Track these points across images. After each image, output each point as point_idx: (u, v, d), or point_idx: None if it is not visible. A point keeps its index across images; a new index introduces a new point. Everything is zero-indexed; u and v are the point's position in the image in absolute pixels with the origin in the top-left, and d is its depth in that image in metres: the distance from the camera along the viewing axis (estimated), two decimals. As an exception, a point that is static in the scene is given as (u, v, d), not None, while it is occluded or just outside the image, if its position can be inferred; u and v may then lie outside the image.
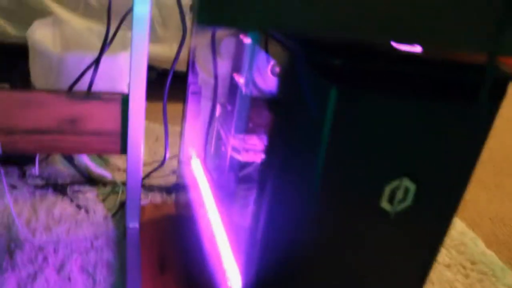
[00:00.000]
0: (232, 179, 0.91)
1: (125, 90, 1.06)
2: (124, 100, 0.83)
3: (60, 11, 1.38)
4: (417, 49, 0.46)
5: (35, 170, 1.00)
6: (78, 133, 0.85)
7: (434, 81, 0.41)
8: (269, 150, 0.45)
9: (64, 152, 0.91)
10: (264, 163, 0.46)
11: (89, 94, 0.83)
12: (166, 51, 1.59)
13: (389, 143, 0.43)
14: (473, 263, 1.02)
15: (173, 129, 1.47)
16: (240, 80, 0.77)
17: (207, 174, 0.94)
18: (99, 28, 1.19)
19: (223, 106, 0.91)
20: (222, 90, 0.93)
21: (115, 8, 1.47)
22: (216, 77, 0.89)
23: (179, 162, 0.99)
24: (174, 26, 1.57)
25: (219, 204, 0.85)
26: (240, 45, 0.88)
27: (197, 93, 0.92)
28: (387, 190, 0.46)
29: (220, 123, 0.92)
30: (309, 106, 0.40)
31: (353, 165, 0.43)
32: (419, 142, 0.43)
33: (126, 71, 1.04)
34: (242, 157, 0.81)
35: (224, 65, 0.90)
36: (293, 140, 0.42)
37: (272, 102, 0.44)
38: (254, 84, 0.75)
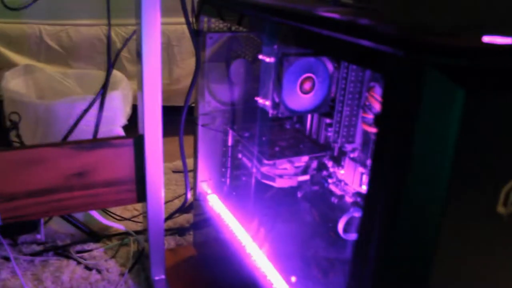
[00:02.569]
0: (260, 207, 0.85)
1: (121, 132, 0.98)
2: (137, 143, 0.75)
3: (23, 61, 1.27)
4: (508, 40, 0.44)
5: (41, 236, 0.88)
6: (89, 187, 0.76)
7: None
8: (379, 167, 0.41)
9: (75, 211, 0.82)
10: (373, 181, 0.42)
11: (97, 142, 0.74)
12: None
13: (506, 142, 0.40)
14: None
15: (174, 164, 1.38)
16: (266, 102, 0.73)
17: (230, 207, 0.87)
18: (74, 72, 1.10)
19: (239, 133, 0.85)
20: (234, 117, 0.88)
21: (90, 46, 1.38)
22: (233, 104, 0.84)
23: (195, 200, 0.91)
24: (143, 59, 1.49)
25: (253, 236, 0.79)
26: (251, 67, 0.84)
27: (208, 125, 0.86)
28: (503, 193, 0.43)
29: (239, 152, 0.86)
30: (426, 112, 0.37)
31: (476, 171, 0.40)
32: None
33: (119, 112, 0.96)
34: (277, 184, 0.76)
35: (234, 91, 0.85)
36: (410, 154, 0.38)
37: (378, 117, 0.40)
38: (284, 105, 0.71)
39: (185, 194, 0.81)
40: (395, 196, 0.40)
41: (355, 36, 0.40)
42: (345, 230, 0.74)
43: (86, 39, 1.36)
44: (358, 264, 0.45)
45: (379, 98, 0.65)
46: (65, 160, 0.73)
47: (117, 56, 0.83)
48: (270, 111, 0.75)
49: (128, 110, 0.99)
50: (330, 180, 0.81)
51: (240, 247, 0.78)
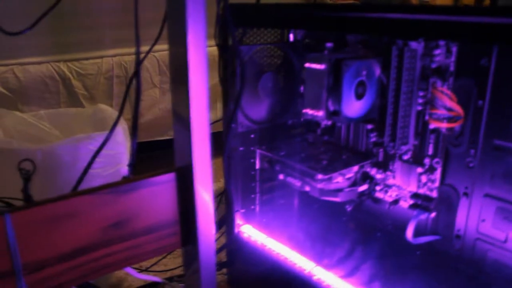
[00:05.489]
0: (312, 228, 0.79)
1: (127, 171, 0.86)
2: (180, 177, 0.65)
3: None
4: None
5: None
6: (128, 238, 0.64)
7: None
8: None
9: (114, 269, 0.67)
10: None
11: (135, 182, 0.63)
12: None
13: None
14: None
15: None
16: (319, 113, 0.67)
17: (272, 234, 0.80)
18: (47, 112, 0.96)
19: (274, 153, 0.79)
20: (264, 136, 0.81)
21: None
22: (264, 122, 0.77)
23: (228, 233, 0.82)
24: (102, 95, 1.35)
25: (319, 260, 0.72)
26: (278, 80, 0.78)
27: (237, 149, 0.79)
28: None
29: (278, 173, 0.79)
30: None
31: None
32: None
33: (124, 149, 0.85)
34: (340, 198, 0.71)
35: (265, 108, 0.79)
36: None
37: None
38: (343, 112, 0.66)
39: (232, 227, 0.72)
40: None
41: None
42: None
43: (36, 78, 1.19)
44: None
45: (448, 92, 0.63)
46: (100, 210, 0.61)
47: (128, 88, 0.72)
48: (324, 122, 0.70)
49: (129, 147, 0.87)
50: (377, 188, 0.78)
51: (303, 275, 0.71)
